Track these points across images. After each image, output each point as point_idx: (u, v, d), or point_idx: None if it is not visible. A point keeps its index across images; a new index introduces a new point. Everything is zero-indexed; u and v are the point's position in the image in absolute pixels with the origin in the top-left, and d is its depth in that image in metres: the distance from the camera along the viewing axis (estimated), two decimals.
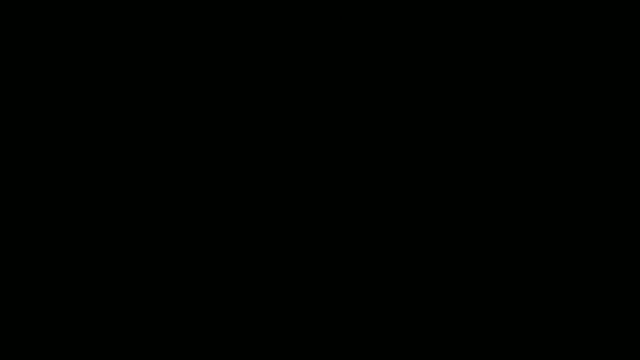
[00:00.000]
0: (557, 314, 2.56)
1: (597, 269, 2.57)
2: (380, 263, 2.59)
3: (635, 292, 2.55)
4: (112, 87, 2.63)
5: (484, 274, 2.58)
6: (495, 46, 2.62)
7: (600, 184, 2.59)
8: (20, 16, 2.63)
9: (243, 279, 2.59)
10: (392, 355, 2.56)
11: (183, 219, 2.60)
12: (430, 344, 2.56)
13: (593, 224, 2.58)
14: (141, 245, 2.59)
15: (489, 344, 2.56)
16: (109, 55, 2.63)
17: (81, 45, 2.63)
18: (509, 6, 2.62)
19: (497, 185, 2.60)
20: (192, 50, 2.64)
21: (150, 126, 2.62)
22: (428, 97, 2.63)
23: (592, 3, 2.61)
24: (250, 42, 2.64)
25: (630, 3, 2.60)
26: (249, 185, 2.61)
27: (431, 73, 2.63)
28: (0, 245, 2.58)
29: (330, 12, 2.64)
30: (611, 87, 2.61)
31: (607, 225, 2.58)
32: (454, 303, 2.57)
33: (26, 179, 2.60)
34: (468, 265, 2.58)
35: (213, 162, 2.61)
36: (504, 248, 2.58)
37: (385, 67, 2.63)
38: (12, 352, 2.54)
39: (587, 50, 2.62)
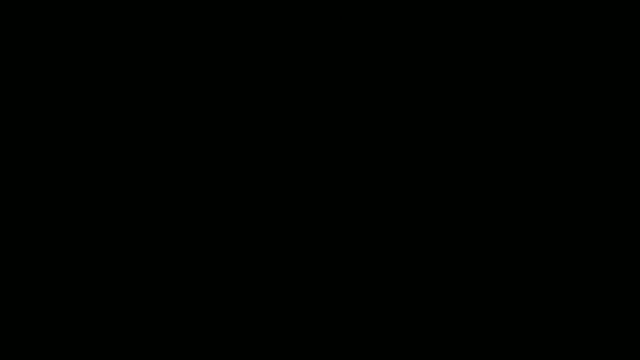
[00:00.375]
0: (557, 314, 2.56)
1: (597, 269, 2.57)
2: (380, 263, 2.59)
3: (636, 292, 2.55)
4: (112, 87, 2.63)
5: (484, 274, 2.58)
6: (495, 46, 2.62)
7: (600, 184, 2.59)
8: (20, 16, 2.63)
9: (243, 279, 2.59)
10: (392, 356, 2.56)
11: (183, 219, 2.60)
12: (430, 344, 2.56)
13: (593, 224, 2.58)
14: (141, 245, 2.59)
15: (489, 344, 2.56)
16: (109, 55, 2.63)
17: (81, 46, 2.63)
18: (509, 6, 2.62)
19: (497, 185, 2.60)
20: (192, 50, 2.64)
21: (151, 126, 2.62)
22: (428, 97, 2.63)
23: (592, 3, 2.61)
24: (250, 42, 2.64)
25: (630, 3, 2.60)
26: (249, 186, 2.61)
27: (431, 73, 2.63)
28: (0, 245, 2.58)
29: (330, 12, 2.64)
30: (611, 87, 2.61)
31: (607, 225, 2.58)
32: (454, 303, 2.57)
33: (26, 179, 2.60)
34: (468, 265, 2.58)
35: (213, 162, 2.61)
36: (504, 248, 2.59)
37: (385, 67, 2.63)
38: (12, 352, 2.54)
39: (587, 50, 2.62)
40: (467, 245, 2.59)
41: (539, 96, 2.62)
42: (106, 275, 2.58)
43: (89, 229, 2.59)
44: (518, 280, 2.57)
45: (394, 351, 2.56)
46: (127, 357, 2.55)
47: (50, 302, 2.57)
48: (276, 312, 2.58)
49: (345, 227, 2.60)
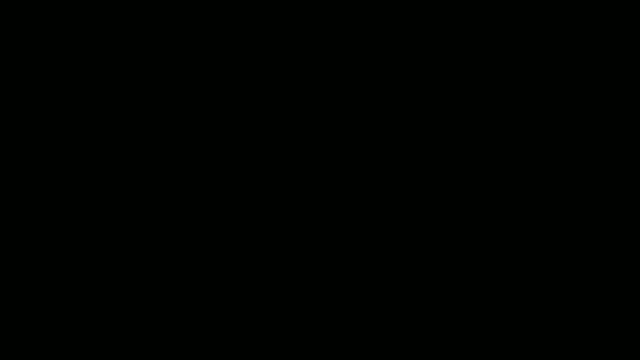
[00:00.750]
0: (557, 314, 2.56)
1: (597, 269, 2.57)
2: (380, 263, 2.59)
3: (636, 292, 2.55)
4: (112, 87, 2.63)
5: (484, 274, 2.58)
6: (495, 46, 2.62)
7: (600, 184, 2.59)
8: (20, 16, 2.63)
9: (243, 279, 2.59)
10: (392, 356, 2.56)
11: (183, 219, 2.60)
12: (430, 344, 2.56)
13: (593, 224, 2.58)
14: (141, 245, 2.59)
15: (489, 344, 2.56)
16: (109, 55, 2.63)
17: (81, 46, 2.63)
18: (509, 6, 2.62)
19: (497, 185, 2.60)
20: (192, 51, 2.64)
21: (151, 126, 2.62)
22: (428, 97, 2.63)
23: (592, 3, 2.61)
24: (250, 42, 2.64)
25: (630, 3, 2.60)
26: (249, 186, 2.61)
27: (431, 73, 2.63)
28: (0, 245, 2.58)
29: (330, 12, 2.64)
30: (611, 87, 2.61)
31: (607, 225, 2.58)
32: (454, 303, 2.57)
33: (26, 179, 2.60)
34: (468, 265, 2.58)
35: (213, 162, 2.61)
36: (504, 248, 2.59)
37: (386, 67, 2.63)
38: (12, 352, 2.54)
39: (587, 50, 2.62)
40: (467, 245, 2.59)
41: (539, 96, 2.62)
42: (106, 276, 2.58)
43: (89, 229, 2.59)
44: (518, 281, 2.57)
45: (394, 351, 2.56)
46: (127, 357, 2.55)
47: (50, 302, 2.57)
48: (276, 312, 2.58)
49: (346, 227, 2.60)
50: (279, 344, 2.57)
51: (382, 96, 2.63)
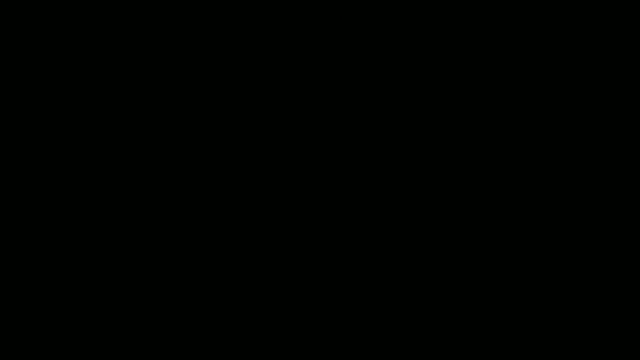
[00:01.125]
0: (557, 314, 2.56)
1: (597, 269, 2.57)
2: (380, 263, 2.60)
3: (636, 292, 2.55)
4: (112, 87, 2.63)
5: (484, 274, 2.58)
6: (495, 46, 2.63)
7: (600, 184, 2.59)
8: (20, 16, 2.63)
9: (243, 279, 2.59)
10: (392, 356, 2.56)
11: (183, 219, 2.60)
12: (430, 344, 2.56)
13: (593, 224, 2.58)
14: (141, 245, 2.59)
15: (489, 344, 2.56)
16: (109, 55, 2.63)
17: (81, 46, 2.63)
18: (509, 6, 2.62)
19: (497, 185, 2.60)
20: (192, 51, 2.64)
21: (151, 126, 2.62)
22: (428, 97, 2.63)
23: (592, 3, 2.61)
24: (250, 42, 2.64)
25: (630, 3, 2.61)
26: (249, 186, 2.62)
27: (431, 73, 2.63)
28: (0, 245, 2.58)
29: (330, 12, 2.64)
30: (611, 87, 2.61)
31: (607, 225, 2.58)
32: (454, 303, 2.58)
33: (26, 179, 2.60)
34: (468, 265, 2.58)
35: (213, 162, 2.62)
36: (504, 248, 2.59)
37: (386, 67, 2.63)
38: (12, 352, 2.55)
39: (587, 50, 2.62)
40: (467, 245, 2.59)
41: (539, 96, 2.62)
42: (106, 276, 2.58)
43: (89, 229, 2.59)
44: (518, 281, 2.57)
45: (394, 351, 2.56)
46: (127, 357, 2.56)
47: (50, 302, 2.57)
48: (276, 312, 2.58)
49: (345, 228, 2.60)
50: (279, 344, 2.57)
51: (382, 96, 2.63)
